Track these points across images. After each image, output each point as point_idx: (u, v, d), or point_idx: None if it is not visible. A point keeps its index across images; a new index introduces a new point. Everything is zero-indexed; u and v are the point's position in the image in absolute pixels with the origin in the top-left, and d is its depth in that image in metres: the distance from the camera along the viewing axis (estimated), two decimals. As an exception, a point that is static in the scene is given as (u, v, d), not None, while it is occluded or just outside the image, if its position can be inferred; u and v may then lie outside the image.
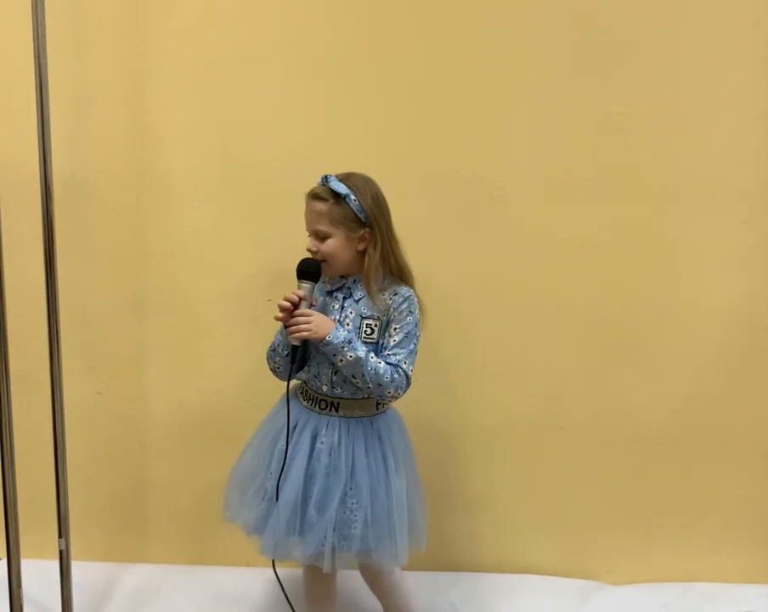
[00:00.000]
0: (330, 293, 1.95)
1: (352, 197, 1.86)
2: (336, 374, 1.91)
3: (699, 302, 2.40)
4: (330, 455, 1.91)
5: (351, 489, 1.89)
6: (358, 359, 1.83)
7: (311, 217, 1.89)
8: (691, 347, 2.43)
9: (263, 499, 1.94)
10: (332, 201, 1.86)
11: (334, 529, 1.87)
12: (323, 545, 1.87)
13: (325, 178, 1.87)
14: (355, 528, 1.88)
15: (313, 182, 2.30)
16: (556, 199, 2.35)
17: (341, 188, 1.85)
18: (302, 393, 2.01)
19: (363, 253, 1.91)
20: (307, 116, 2.31)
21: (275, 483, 1.89)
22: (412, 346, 1.91)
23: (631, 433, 2.48)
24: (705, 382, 2.45)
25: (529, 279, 2.39)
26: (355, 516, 1.88)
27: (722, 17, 2.27)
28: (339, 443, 1.91)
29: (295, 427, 1.94)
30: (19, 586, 2.06)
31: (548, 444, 2.49)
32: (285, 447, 1.90)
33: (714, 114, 2.31)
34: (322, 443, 1.92)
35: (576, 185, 2.34)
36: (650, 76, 2.29)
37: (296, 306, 1.83)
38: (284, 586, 2.05)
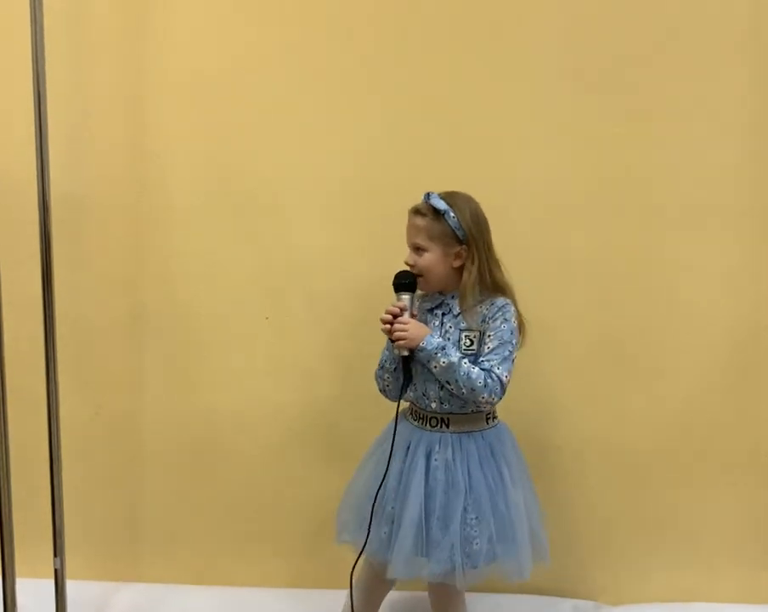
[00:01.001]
0: (430, 311, 2.00)
1: (451, 214, 1.91)
2: (442, 389, 1.93)
3: (695, 318, 2.40)
4: (446, 471, 1.92)
5: (470, 503, 1.91)
6: (450, 364, 1.86)
7: (411, 231, 1.95)
8: (687, 363, 2.43)
9: (386, 523, 1.95)
10: (431, 216, 1.92)
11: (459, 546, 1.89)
12: (450, 562, 1.88)
13: (427, 195, 1.93)
14: (477, 543, 1.90)
15: (312, 197, 2.32)
16: (553, 216, 2.36)
17: (441, 204, 1.91)
18: (411, 413, 2.03)
19: (459, 270, 1.96)
20: (306, 130, 2.32)
21: (395, 506, 1.93)
22: (507, 353, 1.92)
23: (628, 451, 2.47)
24: (701, 399, 2.45)
25: (525, 295, 2.38)
26: (476, 531, 1.90)
27: (717, 39, 2.29)
28: (453, 458, 1.94)
29: (408, 447, 1.97)
30: (15, 605, 2.04)
31: (545, 463, 2.48)
32: (385, 467, 1.94)
33: (709, 133, 2.33)
34: (436, 460, 1.94)
35: (573, 203, 2.35)
36: (647, 97, 2.31)
37: (396, 317, 1.89)
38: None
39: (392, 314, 1.89)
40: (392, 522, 1.94)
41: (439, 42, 2.30)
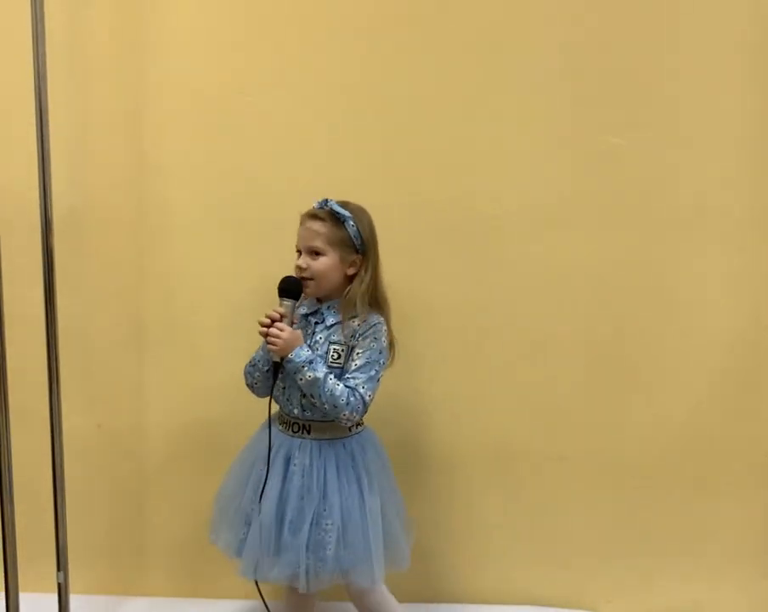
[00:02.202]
0: (305, 316, 2.02)
1: (351, 222, 1.94)
2: (304, 398, 1.95)
3: (697, 329, 2.40)
4: (302, 477, 1.94)
5: (324, 510, 1.92)
6: (316, 379, 1.88)
7: (307, 234, 1.96)
8: (690, 374, 2.43)
9: (245, 522, 1.98)
10: (331, 222, 1.94)
11: (308, 550, 1.91)
12: (298, 566, 1.90)
13: (325, 202, 1.95)
14: (329, 549, 1.91)
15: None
16: (553, 227, 2.36)
17: (343, 211, 1.94)
18: (278, 417, 2.05)
19: (348, 278, 1.99)
20: (306, 145, 2.33)
21: (255, 506, 1.94)
22: (373, 372, 1.94)
23: (631, 462, 2.47)
24: (703, 407, 2.44)
25: (526, 306, 2.40)
26: (330, 537, 1.91)
27: (717, 48, 2.30)
28: (311, 465, 1.96)
29: (269, 450, 1.97)
30: (18, 620, 2.05)
31: (547, 473, 2.48)
32: (264, 470, 1.95)
33: (708, 142, 2.33)
34: (295, 465, 1.96)
35: (573, 213, 2.36)
36: (646, 106, 2.31)
37: (274, 322, 1.90)
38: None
39: (271, 319, 1.89)
40: (250, 523, 1.96)
41: (437, 52, 2.30)
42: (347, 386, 1.90)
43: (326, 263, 1.94)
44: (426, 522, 2.45)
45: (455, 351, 2.42)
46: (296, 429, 2.00)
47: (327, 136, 2.34)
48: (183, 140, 2.33)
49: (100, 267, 2.38)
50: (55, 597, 2.21)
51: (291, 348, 1.88)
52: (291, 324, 1.92)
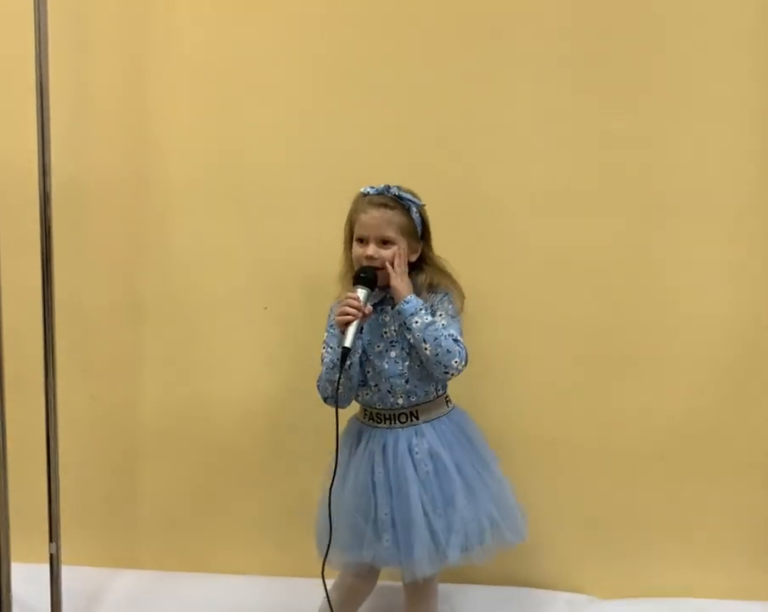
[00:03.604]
0: (374, 307, 1.95)
1: (415, 209, 1.93)
2: (407, 383, 1.94)
3: (695, 316, 2.40)
4: (431, 458, 1.93)
5: (463, 484, 1.93)
6: (433, 321, 1.87)
7: (377, 223, 1.90)
8: (685, 362, 2.43)
9: (384, 531, 1.92)
10: (400, 210, 1.91)
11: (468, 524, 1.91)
12: (467, 541, 1.91)
13: (387, 188, 1.91)
14: (482, 520, 1.93)
15: (311, 187, 2.31)
16: (553, 212, 2.36)
17: (411, 198, 1.92)
18: (371, 418, 2.01)
19: (411, 265, 1.97)
20: (307, 122, 2.33)
21: (389, 510, 1.91)
22: (460, 328, 1.94)
23: (623, 447, 2.47)
24: (698, 397, 2.45)
25: (525, 292, 2.40)
26: (477, 508, 1.93)
27: (719, 35, 2.28)
28: (434, 446, 1.94)
29: (384, 449, 1.95)
30: (9, 591, 2.05)
31: (540, 457, 2.49)
32: (382, 472, 1.94)
33: (709, 129, 2.32)
34: (418, 453, 1.94)
35: (574, 199, 2.35)
36: (646, 92, 2.30)
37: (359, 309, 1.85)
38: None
39: (350, 305, 1.84)
40: (392, 527, 1.92)
41: (439, 35, 2.30)
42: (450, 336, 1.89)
43: (397, 252, 1.91)
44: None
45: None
46: (403, 420, 1.96)
47: (329, 116, 2.33)
48: (183, 115, 2.33)
49: (98, 240, 2.37)
50: (47, 567, 2.21)
51: (407, 291, 1.88)
52: (364, 315, 1.86)
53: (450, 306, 1.95)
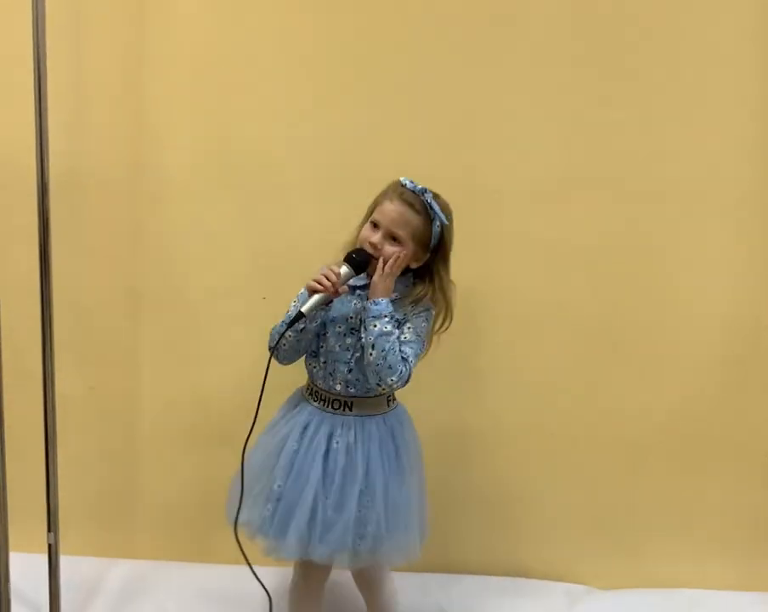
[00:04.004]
0: (353, 289, 1.93)
1: (437, 224, 1.88)
2: (350, 373, 1.92)
3: (693, 308, 2.41)
4: (346, 454, 1.91)
5: (366, 487, 1.90)
6: (390, 332, 1.83)
7: (396, 217, 1.87)
8: (685, 353, 2.44)
9: (270, 499, 1.92)
10: (423, 217, 1.87)
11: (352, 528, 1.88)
12: (343, 545, 1.88)
13: (423, 190, 1.87)
14: (371, 526, 1.89)
15: (311, 177, 2.31)
16: (551, 201, 2.36)
17: (439, 212, 1.87)
18: (311, 393, 2.00)
19: (409, 270, 1.94)
20: (307, 112, 2.32)
21: (282, 484, 1.90)
22: (419, 351, 1.91)
23: (621, 440, 2.48)
24: (696, 390, 2.46)
25: (522, 282, 2.40)
26: (371, 514, 1.89)
27: (720, 22, 2.28)
28: (355, 442, 1.92)
29: (306, 427, 1.94)
30: (7, 580, 2.05)
31: (538, 449, 2.49)
32: (297, 448, 1.93)
33: (709, 119, 2.33)
34: (337, 443, 1.92)
35: (572, 188, 2.35)
36: (646, 80, 2.30)
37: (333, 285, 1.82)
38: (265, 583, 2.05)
39: (327, 277, 1.81)
40: (278, 500, 1.91)
41: (437, 25, 2.29)
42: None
43: (398, 254, 1.87)
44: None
45: (450, 328, 2.42)
46: (336, 406, 1.95)
47: (328, 105, 2.32)
48: (181, 105, 2.31)
49: (96, 231, 2.36)
50: (45, 557, 2.20)
51: (386, 293, 1.85)
52: (336, 293, 1.84)
53: (424, 324, 1.92)
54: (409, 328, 1.90)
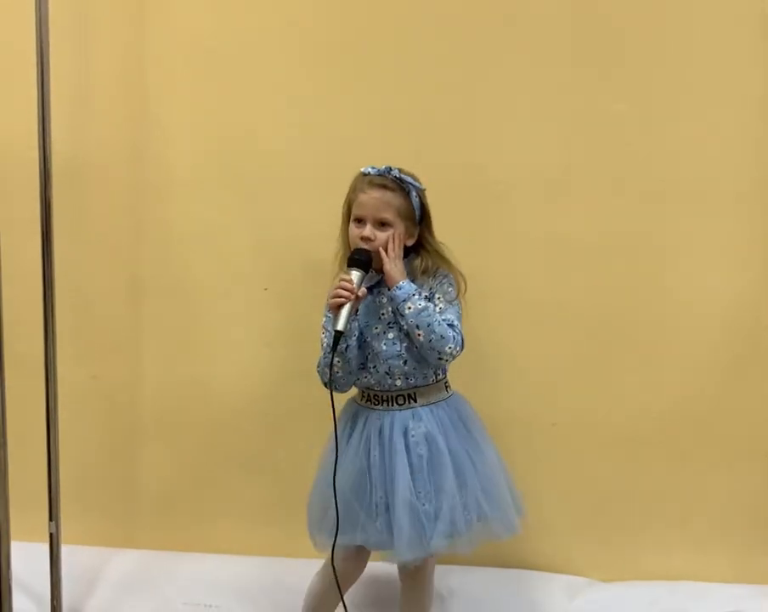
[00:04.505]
0: (370, 290, 1.94)
1: (414, 193, 1.90)
2: (406, 364, 1.92)
3: (694, 302, 2.40)
4: (427, 444, 1.91)
5: (454, 471, 1.91)
6: (426, 307, 1.84)
7: (376, 204, 1.88)
8: (685, 347, 2.43)
9: (378, 515, 1.91)
10: (399, 193, 1.89)
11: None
12: (455, 532, 1.88)
13: (388, 169, 1.89)
14: (472, 507, 1.91)
15: (312, 170, 2.31)
16: (554, 196, 2.35)
17: (411, 181, 1.89)
18: (368, 400, 1.99)
19: (407, 249, 1.95)
20: (309, 104, 2.32)
21: (383, 494, 1.90)
22: (458, 312, 1.94)
23: (622, 431, 2.48)
24: (697, 383, 2.45)
25: (525, 276, 2.40)
26: (469, 496, 1.91)
27: (723, 16, 2.27)
28: (431, 430, 1.92)
29: (381, 431, 1.94)
30: (9, 569, 2.06)
31: (539, 440, 2.49)
32: (376, 455, 1.92)
33: (711, 113, 2.32)
34: (413, 436, 1.92)
35: (574, 183, 2.35)
36: (649, 74, 2.30)
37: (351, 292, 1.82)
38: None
39: (343, 287, 1.82)
40: (387, 511, 1.90)
41: (442, 18, 2.29)
42: (444, 321, 1.87)
43: (392, 236, 1.89)
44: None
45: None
46: (401, 402, 1.94)
47: (330, 98, 2.32)
48: (183, 97, 2.32)
49: (99, 221, 2.37)
50: (47, 547, 2.21)
51: (401, 277, 1.86)
52: (357, 298, 1.84)
53: (450, 289, 1.93)
54: (439, 299, 1.92)
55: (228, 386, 2.44)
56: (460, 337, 1.89)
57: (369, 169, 1.91)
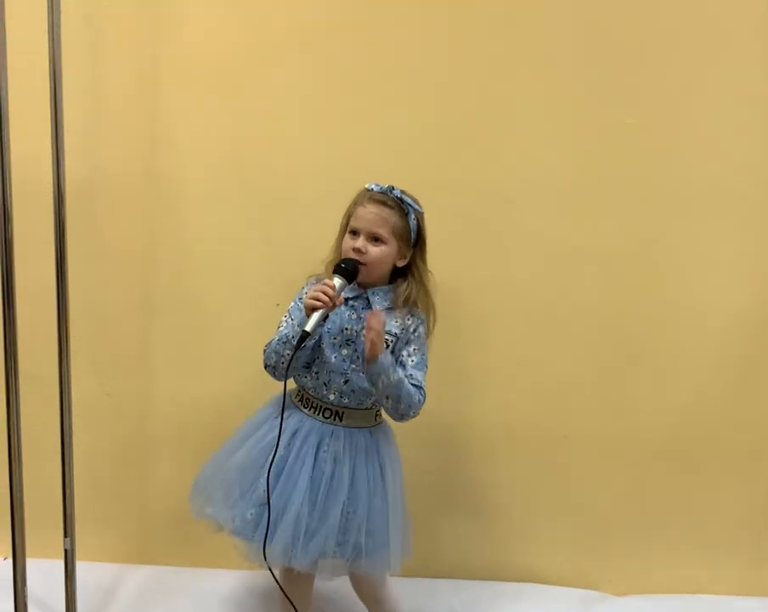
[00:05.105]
0: (345, 301, 1.94)
1: (413, 216, 1.92)
2: (345, 384, 1.92)
3: (705, 310, 2.41)
4: (333, 464, 1.92)
5: (349, 498, 1.90)
6: (399, 381, 1.85)
7: (372, 219, 1.90)
8: (697, 355, 2.44)
9: (255, 503, 1.91)
10: (397, 211, 1.91)
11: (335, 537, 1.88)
12: (325, 553, 1.88)
13: (391, 188, 1.91)
14: (350, 536, 1.89)
15: (324, 187, 2.32)
16: (564, 206, 2.37)
17: (411, 203, 1.92)
18: (300, 400, 2.00)
19: (396, 270, 1.97)
20: (320, 122, 2.33)
21: (266, 488, 1.87)
22: (426, 365, 1.95)
23: (635, 443, 2.48)
24: (709, 392, 2.46)
25: (536, 286, 2.40)
26: (352, 524, 1.90)
27: (730, 26, 2.29)
28: (343, 452, 1.93)
29: (294, 433, 1.95)
30: (24, 586, 2.06)
31: (551, 453, 2.50)
32: (284, 455, 1.92)
33: (720, 122, 2.34)
34: (325, 452, 1.93)
35: (584, 193, 2.36)
36: (658, 86, 2.31)
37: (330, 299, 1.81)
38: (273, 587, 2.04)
39: (325, 293, 1.79)
40: (261, 505, 1.88)
41: (452, 34, 2.30)
42: (412, 384, 1.89)
43: (385, 251, 1.90)
44: (427, 498, 2.47)
45: (465, 329, 2.42)
46: (327, 415, 1.96)
47: (340, 113, 2.33)
48: (196, 115, 2.33)
49: (112, 239, 2.38)
50: (62, 563, 2.22)
51: (379, 351, 1.82)
52: (334, 305, 1.83)
53: (423, 338, 1.96)
54: (414, 350, 1.94)
55: (241, 401, 2.43)
56: (423, 399, 1.91)
57: (373, 186, 1.93)
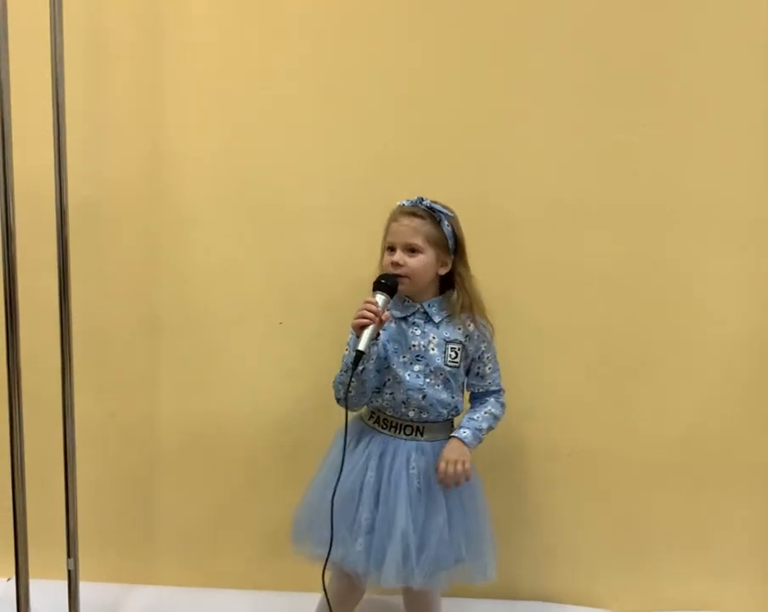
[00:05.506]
0: (404, 319, 1.98)
1: (446, 222, 1.95)
2: (424, 399, 1.96)
3: (707, 328, 2.40)
4: (424, 478, 1.95)
5: (447, 508, 1.94)
6: (490, 427, 2.04)
7: (405, 231, 1.94)
8: (700, 373, 2.43)
9: (358, 535, 1.93)
10: (429, 220, 1.94)
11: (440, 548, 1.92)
12: (437, 568, 1.92)
13: (420, 200, 1.95)
14: (455, 548, 1.94)
15: (327, 205, 2.32)
16: (565, 225, 2.36)
17: (441, 209, 1.95)
18: (377, 422, 2.03)
19: (439, 278, 2.00)
20: (322, 138, 2.33)
21: (370, 516, 1.92)
22: (498, 365, 2.10)
23: (639, 460, 2.47)
24: (713, 408, 2.44)
25: (539, 304, 2.40)
26: (454, 536, 1.94)
27: (730, 45, 2.29)
28: (427, 467, 1.97)
29: (382, 455, 1.98)
30: (27, 606, 2.05)
31: (555, 469, 2.48)
32: (374, 476, 1.96)
33: (722, 141, 2.33)
34: (413, 468, 1.95)
35: (585, 212, 2.35)
36: (658, 104, 2.31)
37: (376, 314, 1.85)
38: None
39: (369, 309, 1.83)
40: (368, 533, 1.92)
41: (455, 52, 2.30)
42: (492, 391, 2.08)
43: (423, 260, 1.93)
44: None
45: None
46: (408, 432, 1.99)
47: (343, 130, 2.33)
48: (199, 133, 2.33)
49: (115, 258, 2.38)
50: (65, 583, 2.21)
51: (467, 446, 1.97)
52: (381, 321, 1.85)
53: (488, 337, 2.05)
54: (488, 358, 2.06)
55: (245, 420, 2.44)
56: (504, 401, 2.10)
57: (404, 201, 1.97)
